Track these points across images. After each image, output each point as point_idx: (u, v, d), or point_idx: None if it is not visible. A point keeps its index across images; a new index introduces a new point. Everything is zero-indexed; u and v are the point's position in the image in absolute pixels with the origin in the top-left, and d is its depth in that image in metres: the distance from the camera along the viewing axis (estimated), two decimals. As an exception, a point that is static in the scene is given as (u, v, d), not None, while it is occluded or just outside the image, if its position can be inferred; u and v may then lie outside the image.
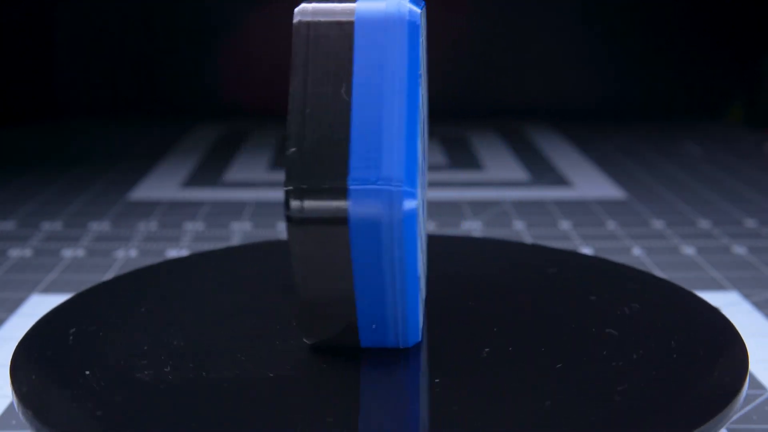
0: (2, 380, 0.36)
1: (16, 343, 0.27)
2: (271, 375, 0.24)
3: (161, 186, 0.71)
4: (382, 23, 0.23)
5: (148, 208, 0.64)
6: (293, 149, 0.22)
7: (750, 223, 0.60)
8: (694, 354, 0.26)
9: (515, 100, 0.98)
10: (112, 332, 0.28)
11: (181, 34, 1.00)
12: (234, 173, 0.75)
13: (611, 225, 0.59)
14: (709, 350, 0.26)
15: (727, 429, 0.31)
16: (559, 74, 1.00)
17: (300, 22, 0.24)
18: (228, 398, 0.23)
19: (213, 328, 0.28)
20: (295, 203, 0.22)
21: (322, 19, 0.23)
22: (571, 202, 0.65)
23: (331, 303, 0.24)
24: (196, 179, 0.73)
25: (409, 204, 0.22)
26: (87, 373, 0.25)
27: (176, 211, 0.63)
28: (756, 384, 0.35)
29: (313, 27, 0.23)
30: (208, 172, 0.76)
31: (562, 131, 0.92)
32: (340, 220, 0.22)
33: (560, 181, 0.72)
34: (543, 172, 0.75)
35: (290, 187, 0.22)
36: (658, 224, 0.59)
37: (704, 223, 0.59)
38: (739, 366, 0.24)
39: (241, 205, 0.64)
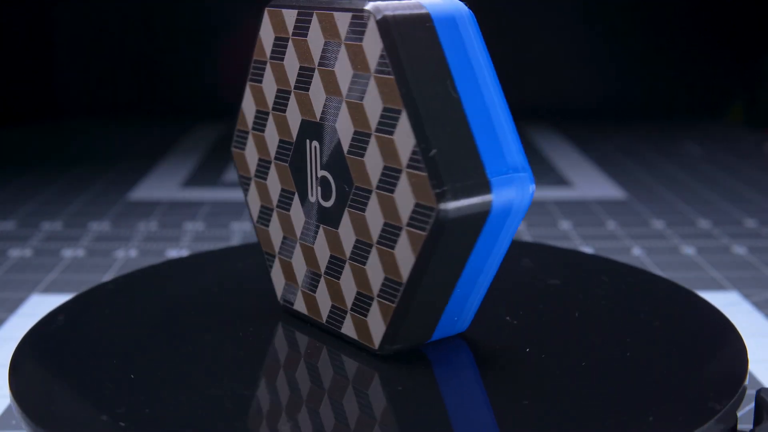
0: (2, 380, 0.36)
1: (16, 343, 0.27)
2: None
3: (161, 186, 0.71)
4: (453, 18, 0.24)
5: (148, 208, 0.64)
6: (435, 151, 0.22)
7: (750, 223, 0.60)
8: (694, 354, 0.26)
9: (515, 100, 0.98)
10: (113, 333, 0.28)
11: (181, 34, 1.00)
12: (234, 173, 0.75)
13: (611, 225, 0.59)
14: (710, 351, 0.26)
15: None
16: (559, 74, 1.00)
17: (384, 19, 0.23)
18: (229, 399, 0.23)
19: (213, 328, 0.28)
20: (450, 204, 0.22)
21: (404, 15, 0.23)
22: (571, 202, 0.65)
23: (428, 302, 0.24)
24: (196, 179, 0.73)
25: (531, 187, 0.24)
26: (86, 373, 0.25)
27: (176, 211, 0.63)
28: (756, 383, 0.35)
29: (396, 25, 0.23)
30: (208, 172, 0.76)
31: (562, 131, 0.92)
32: (484, 213, 0.23)
33: (560, 181, 0.72)
34: (543, 172, 0.75)
35: (445, 188, 0.22)
36: (658, 224, 0.59)
37: (704, 223, 0.59)
38: (739, 368, 0.24)
39: (241, 205, 0.64)
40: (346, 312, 0.26)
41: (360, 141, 0.24)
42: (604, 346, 0.26)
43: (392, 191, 0.23)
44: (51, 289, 0.47)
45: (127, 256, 0.53)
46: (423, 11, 0.23)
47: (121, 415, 0.22)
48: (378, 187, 0.24)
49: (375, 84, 0.23)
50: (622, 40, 1.00)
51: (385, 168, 0.23)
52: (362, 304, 0.25)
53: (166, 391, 0.24)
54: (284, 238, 0.28)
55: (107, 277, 0.48)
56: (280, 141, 0.27)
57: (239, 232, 0.57)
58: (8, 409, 0.34)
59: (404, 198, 0.23)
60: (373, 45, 0.23)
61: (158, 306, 0.30)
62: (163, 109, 1.01)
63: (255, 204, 0.29)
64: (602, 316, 0.29)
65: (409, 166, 0.23)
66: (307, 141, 0.26)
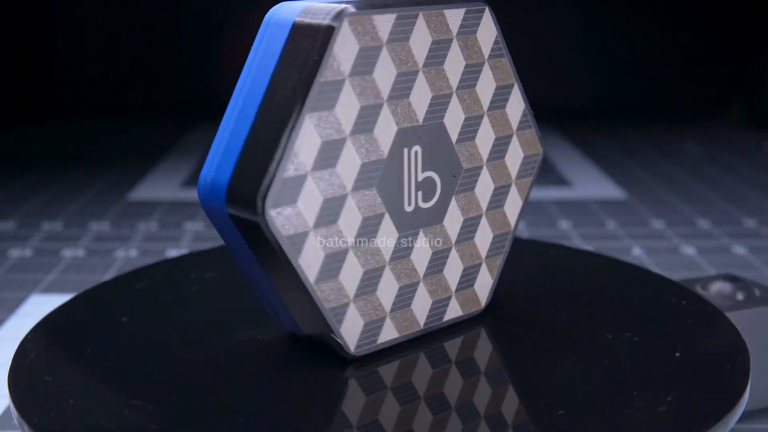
0: (2, 380, 0.36)
1: (16, 343, 0.27)
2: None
3: (161, 186, 0.71)
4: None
5: (148, 208, 0.64)
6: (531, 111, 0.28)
7: (750, 223, 0.60)
8: (696, 357, 0.26)
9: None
10: (112, 333, 0.28)
11: (181, 34, 1.00)
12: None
13: (611, 225, 0.59)
14: (712, 353, 0.26)
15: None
16: (559, 74, 1.00)
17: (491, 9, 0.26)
18: (230, 399, 0.23)
19: (213, 328, 0.28)
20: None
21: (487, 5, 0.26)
22: (571, 202, 0.65)
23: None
24: (196, 179, 0.73)
25: None
26: (85, 374, 0.25)
27: (176, 211, 0.63)
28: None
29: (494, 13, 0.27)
30: (208, 172, 0.76)
31: (562, 131, 0.92)
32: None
33: (560, 181, 0.72)
34: (543, 172, 0.75)
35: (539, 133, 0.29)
36: (658, 224, 0.59)
37: (704, 223, 0.59)
38: (741, 371, 0.24)
39: (241, 205, 0.64)
40: (450, 297, 0.27)
41: (471, 126, 0.26)
42: (602, 347, 0.26)
43: (502, 157, 0.27)
44: (51, 289, 0.47)
45: (127, 256, 0.53)
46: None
47: (122, 415, 0.22)
48: (489, 160, 0.27)
49: (489, 68, 0.26)
50: (622, 40, 1.00)
51: (497, 140, 0.27)
52: (468, 277, 0.27)
53: (167, 392, 0.24)
54: (365, 274, 0.24)
55: (107, 277, 0.48)
56: (363, 166, 0.23)
57: (239, 232, 0.57)
58: (8, 409, 0.34)
59: (514, 158, 0.27)
60: (487, 34, 0.26)
61: (158, 306, 0.30)
62: (163, 109, 1.01)
63: (317, 259, 0.23)
64: (599, 317, 0.29)
65: (519, 129, 0.27)
66: (405, 150, 0.24)
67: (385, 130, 0.24)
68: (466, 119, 0.26)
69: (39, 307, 0.44)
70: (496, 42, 0.26)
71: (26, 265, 0.51)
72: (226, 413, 0.22)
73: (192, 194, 0.68)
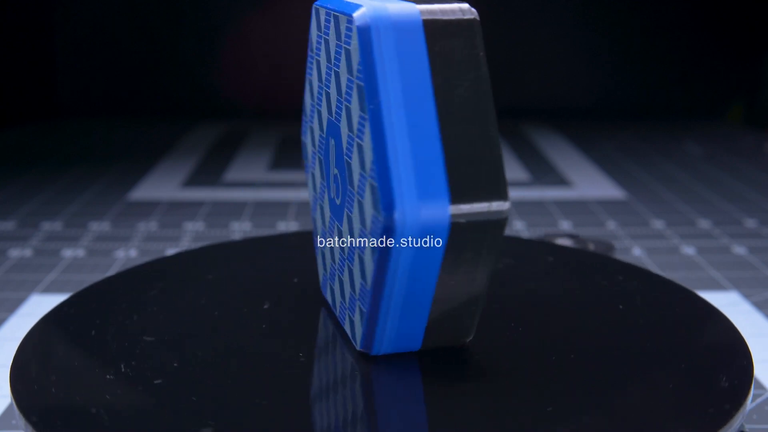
0: (2, 380, 0.36)
1: (16, 343, 0.27)
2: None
3: (161, 186, 0.71)
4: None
5: (148, 208, 0.64)
6: None
7: (750, 223, 0.60)
8: (698, 361, 0.26)
9: (515, 100, 0.98)
10: (112, 332, 0.28)
11: (181, 34, 1.00)
12: (234, 173, 0.75)
13: (611, 225, 0.59)
14: (713, 356, 0.26)
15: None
16: (559, 74, 1.00)
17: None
18: (231, 398, 0.23)
19: (213, 327, 0.28)
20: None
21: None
22: (571, 202, 0.65)
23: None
24: (196, 179, 0.73)
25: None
26: (86, 373, 0.25)
27: (176, 211, 0.63)
28: (757, 384, 0.35)
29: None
30: (208, 172, 0.76)
31: (562, 131, 0.92)
32: None
33: (560, 181, 0.72)
34: (543, 172, 0.75)
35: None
36: (658, 224, 0.59)
37: (704, 223, 0.59)
38: (744, 376, 0.24)
39: (241, 205, 0.64)
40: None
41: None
42: (600, 349, 0.26)
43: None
44: (51, 289, 0.47)
45: (127, 256, 0.53)
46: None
47: (122, 415, 0.22)
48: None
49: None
50: (621, 40, 1.00)
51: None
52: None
53: (169, 391, 0.24)
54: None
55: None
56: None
57: (239, 232, 0.57)
58: (8, 409, 0.34)
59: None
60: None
61: (158, 305, 0.30)
62: (163, 109, 1.01)
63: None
64: (600, 316, 0.29)
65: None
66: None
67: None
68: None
69: (39, 307, 0.44)
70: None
71: (26, 265, 0.51)
72: (230, 414, 0.22)
73: (192, 194, 0.68)
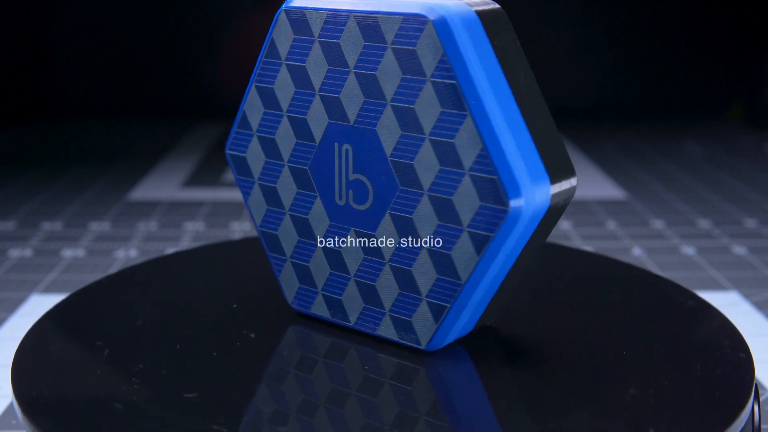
0: (2, 380, 0.36)
1: (16, 343, 0.27)
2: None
3: (161, 186, 0.71)
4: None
5: (148, 208, 0.64)
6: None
7: (750, 223, 0.60)
8: (698, 361, 0.26)
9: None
10: (111, 331, 0.28)
11: (181, 34, 1.00)
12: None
13: (611, 225, 0.59)
14: (715, 361, 0.26)
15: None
16: (560, 74, 1.00)
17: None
18: (230, 395, 0.23)
19: (219, 327, 0.28)
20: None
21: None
22: (571, 202, 0.65)
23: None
24: (196, 179, 0.73)
25: None
26: (86, 372, 0.25)
27: (176, 211, 0.63)
28: (758, 385, 0.35)
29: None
30: (208, 172, 0.76)
31: (562, 131, 0.92)
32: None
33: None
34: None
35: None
36: (658, 224, 0.59)
37: (704, 223, 0.59)
38: (745, 379, 0.24)
39: (240, 205, 0.64)
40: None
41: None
42: (600, 350, 0.26)
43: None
44: (51, 289, 0.47)
45: (127, 256, 0.53)
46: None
47: (122, 415, 0.22)
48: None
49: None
50: (622, 40, 1.00)
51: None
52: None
53: (169, 390, 0.24)
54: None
55: (107, 277, 0.48)
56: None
57: (239, 232, 0.57)
58: (8, 409, 0.34)
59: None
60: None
61: (157, 304, 0.30)
62: (163, 109, 1.01)
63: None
64: (600, 317, 0.29)
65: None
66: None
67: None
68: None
69: (39, 307, 0.44)
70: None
71: (26, 265, 0.51)
72: (231, 413, 0.22)
73: (192, 194, 0.68)
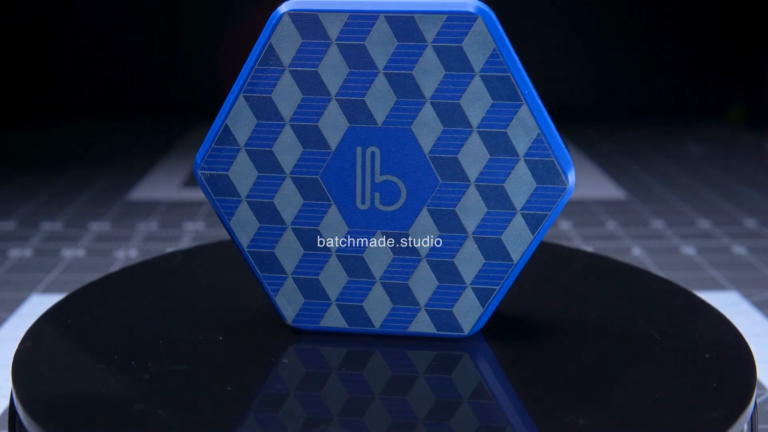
0: (2, 380, 0.36)
1: (16, 343, 0.27)
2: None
3: (161, 186, 0.71)
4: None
5: (148, 208, 0.64)
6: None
7: (750, 223, 0.60)
8: (698, 361, 0.26)
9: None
10: (110, 330, 0.27)
11: (180, 34, 1.00)
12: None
13: (611, 225, 0.59)
14: (716, 361, 0.26)
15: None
16: (560, 74, 1.00)
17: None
18: (231, 395, 0.23)
19: (211, 324, 0.27)
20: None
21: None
22: (571, 202, 0.65)
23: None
24: (196, 179, 0.73)
25: None
26: (86, 371, 0.25)
27: (176, 211, 0.63)
28: (758, 385, 0.35)
29: None
30: (208, 172, 0.76)
31: (562, 131, 0.92)
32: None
33: (560, 181, 0.72)
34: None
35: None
36: (658, 224, 0.59)
37: (704, 223, 0.59)
38: (746, 382, 0.24)
39: (241, 205, 0.64)
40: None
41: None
42: (599, 350, 0.26)
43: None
44: (51, 289, 0.47)
45: (127, 256, 0.53)
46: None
47: (122, 414, 0.22)
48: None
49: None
50: (622, 40, 1.00)
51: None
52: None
53: (170, 390, 0.24)
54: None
55: (107, 277, 0.48)
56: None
57: (239, 232, 0.57)
58: (8, 409, 0.34)
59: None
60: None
61: (155, 303, 0.30)
62: (163, 109, 1.01)
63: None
64: (599, 317, 0.29)
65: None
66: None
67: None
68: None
69: (39, 307, 0.44)
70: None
71: (26, 265, 0.51)
72: (230, 412, 0.22)
73: (192, 194, 0.68)
